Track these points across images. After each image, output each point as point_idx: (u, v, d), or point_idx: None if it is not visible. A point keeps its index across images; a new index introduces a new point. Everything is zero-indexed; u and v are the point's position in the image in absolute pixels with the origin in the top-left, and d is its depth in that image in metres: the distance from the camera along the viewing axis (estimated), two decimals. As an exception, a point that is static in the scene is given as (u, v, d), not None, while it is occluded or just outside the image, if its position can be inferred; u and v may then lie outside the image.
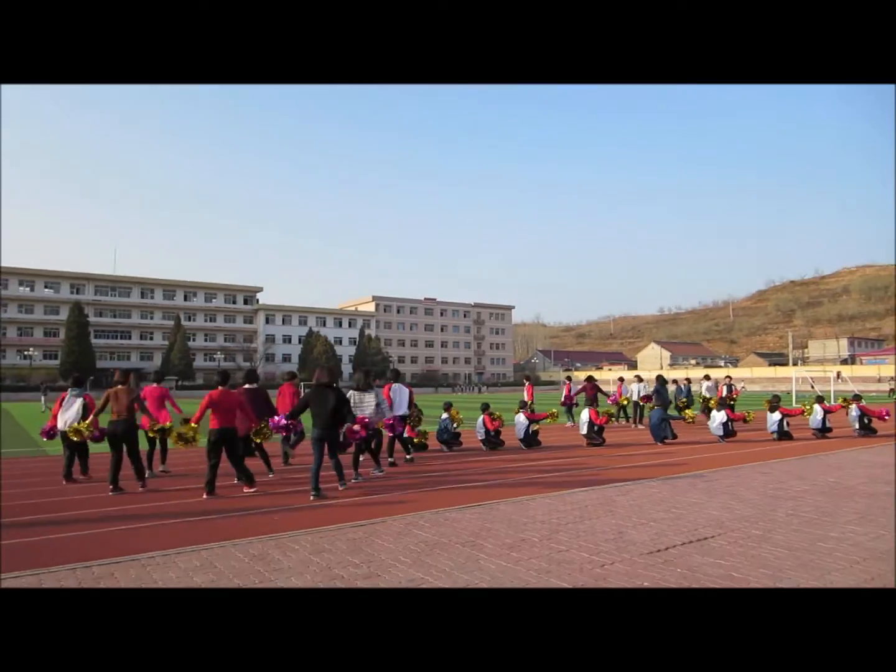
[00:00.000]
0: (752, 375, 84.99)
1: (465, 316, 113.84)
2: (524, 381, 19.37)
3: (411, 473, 9.98)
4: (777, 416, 14.68)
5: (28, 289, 79.11)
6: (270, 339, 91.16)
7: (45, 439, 9.66)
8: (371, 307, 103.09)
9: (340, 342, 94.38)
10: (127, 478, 9.03)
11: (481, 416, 13.38)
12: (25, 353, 72.20)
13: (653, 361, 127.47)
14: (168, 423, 9.61)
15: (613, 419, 15.70)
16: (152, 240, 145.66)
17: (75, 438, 8.94)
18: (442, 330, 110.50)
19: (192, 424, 8.58)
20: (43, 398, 36.23)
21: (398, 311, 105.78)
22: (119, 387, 8.71)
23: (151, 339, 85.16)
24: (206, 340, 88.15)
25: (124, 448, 8.60)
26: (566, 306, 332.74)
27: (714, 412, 14.74)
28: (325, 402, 8.25)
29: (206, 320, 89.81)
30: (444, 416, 13.41)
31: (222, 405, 8.25)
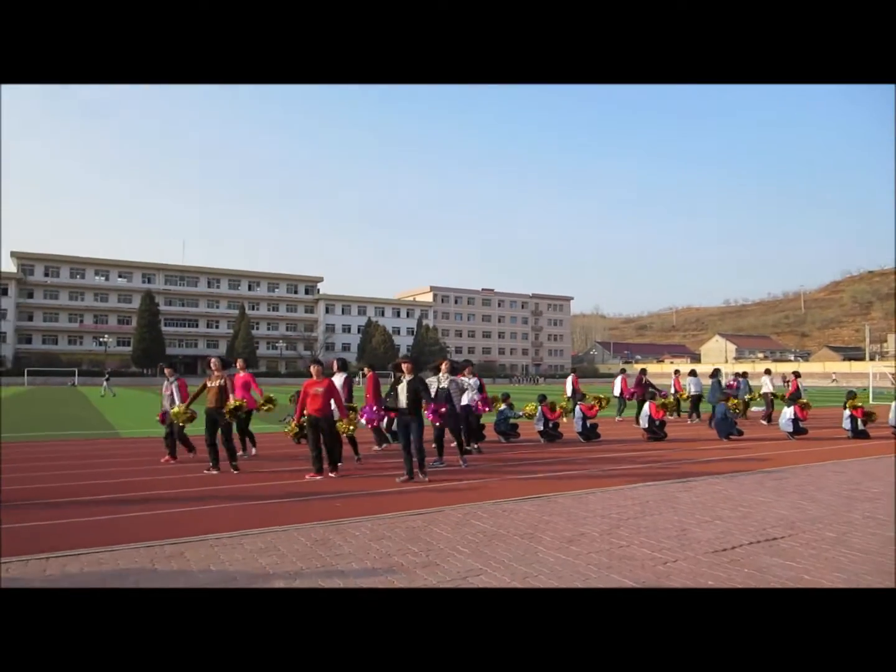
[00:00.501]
0: (825, 370, 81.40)
1: (522, 307, 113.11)
2: (571, 372, 19.11)
3: (469, 464, 9.98)
4: (849, 412, 14.02)
5: (103, 278, 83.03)
6: (330, 328, 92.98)
7: (161, 423, 10.27)
8: (429, 297, 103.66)
9: (398, 332, 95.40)
10: (191, 460, 9.37)
11: (539, 408, 13.27)
12: (101, 339, 75.89)
13: (717, 355, 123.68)
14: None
15: (671, 414, 15.24)
16: (219, 231, 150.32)
17: (181, 421, 9.46)
18: (499, 321, 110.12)
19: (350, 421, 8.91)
20: (105, 384, 38.28)
21: (456, 302, 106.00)
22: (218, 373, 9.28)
23: (217, 327, 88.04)
24: (268, 329, 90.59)
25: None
26: (626, 297, 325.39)
27: (785, 408, 14.19)
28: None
29: (268, 309, 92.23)
30: (503, 406, 13.36)
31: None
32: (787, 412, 13.74)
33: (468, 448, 11.04)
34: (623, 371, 19.73)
